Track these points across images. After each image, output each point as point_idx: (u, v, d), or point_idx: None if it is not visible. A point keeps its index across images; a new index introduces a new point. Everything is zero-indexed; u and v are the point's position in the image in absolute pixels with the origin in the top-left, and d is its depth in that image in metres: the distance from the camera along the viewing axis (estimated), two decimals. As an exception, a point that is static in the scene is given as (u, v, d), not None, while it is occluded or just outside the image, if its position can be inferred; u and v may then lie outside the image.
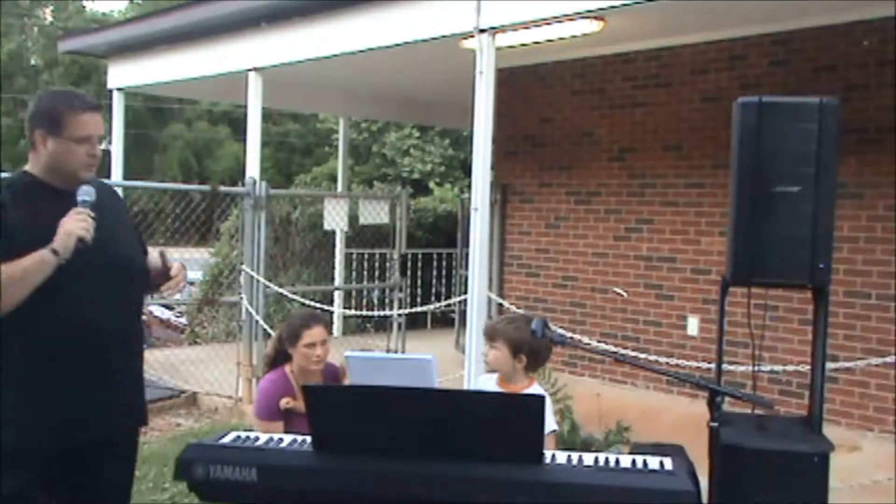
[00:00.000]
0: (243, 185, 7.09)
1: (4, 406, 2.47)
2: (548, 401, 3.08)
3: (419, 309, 8.64)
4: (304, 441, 2.09)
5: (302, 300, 7.68)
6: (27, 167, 2.63)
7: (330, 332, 4.03)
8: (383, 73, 8.33)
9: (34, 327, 2.49)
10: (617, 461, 2.01)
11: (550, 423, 2.91)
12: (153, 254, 2.79)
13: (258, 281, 6.86)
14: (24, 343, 2.49)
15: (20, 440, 2.45)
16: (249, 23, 7.52)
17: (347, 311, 9.59)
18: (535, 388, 3.06)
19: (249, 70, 7.66)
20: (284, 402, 3.55)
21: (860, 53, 5.95)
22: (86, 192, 2.53)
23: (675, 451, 2.09)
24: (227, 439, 2.12)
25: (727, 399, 2.28)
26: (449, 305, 8.32)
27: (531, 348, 2.97)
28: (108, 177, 9.86)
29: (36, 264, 2.41)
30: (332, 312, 9.01)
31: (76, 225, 2.43)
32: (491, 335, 3.03)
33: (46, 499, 2.49)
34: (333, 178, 13.39)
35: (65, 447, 2.53)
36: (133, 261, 2.71)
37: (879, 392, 5.81)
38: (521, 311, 6.80)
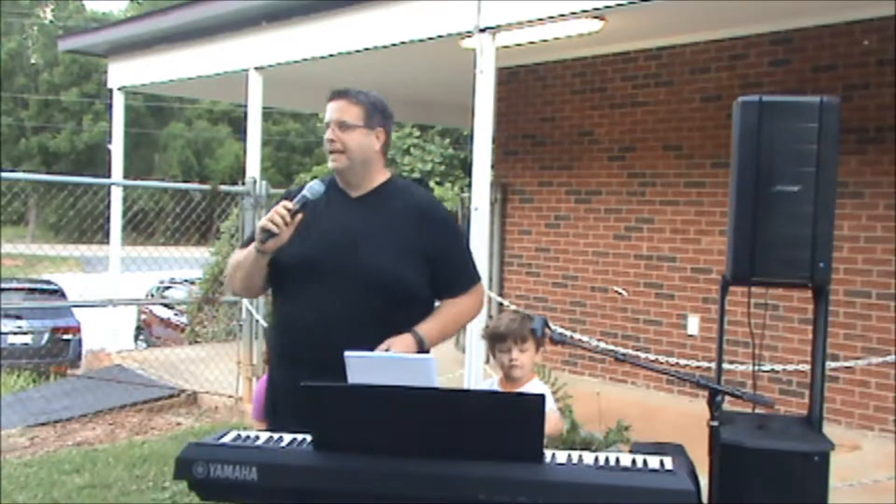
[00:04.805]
0: (243, 184, 7.08)
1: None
2: (547, 392, 3.09)
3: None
4: (304, 440, 2.09)
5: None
6: None
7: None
8: (383, 73, 8.32)
9: (275, 324, 2.66)
10: (617, 460, 2.01)
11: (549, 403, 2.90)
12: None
13: (258, 280, 6.84)
14: (270, 338, 2.73)
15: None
16: (250, 22, 7.53)
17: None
18: (536, 382, 3.06)
19: (250, 69, 7.66)
20: None
21: (860, 53, 5.95)
22: (308, 188, 2.46)
23: (676, 451, 2.08)
24: (227, 438, 2.12)
25: (727, 398, 2.28)
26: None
27: (541, 342, 2.96)
28: (109, 176, 9.90)
29: (248, 254, 2.51)
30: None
31: (266, 217, 2.41)
32: (521, 338, 2.94)
33: None
34: (334, 178, 13.39)
35: None
36: (377, 269, 2.46)
37: (880, 391, 5.81)
38: (513, 308, 6.73)
